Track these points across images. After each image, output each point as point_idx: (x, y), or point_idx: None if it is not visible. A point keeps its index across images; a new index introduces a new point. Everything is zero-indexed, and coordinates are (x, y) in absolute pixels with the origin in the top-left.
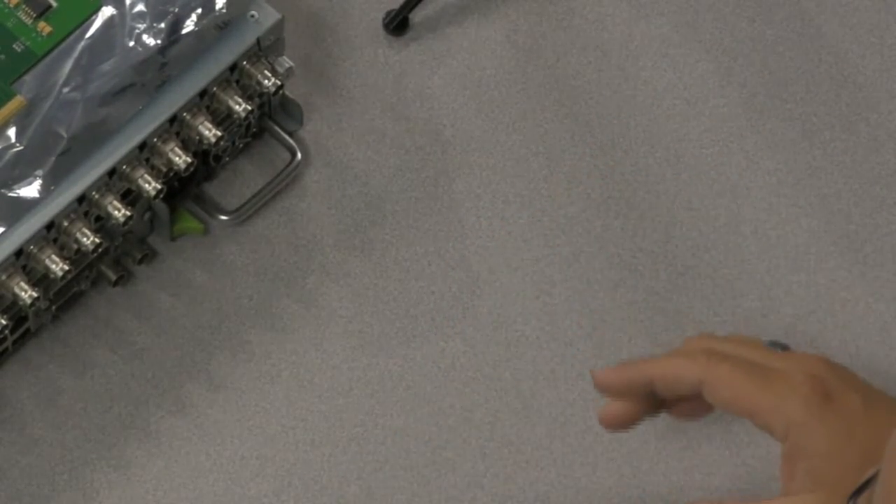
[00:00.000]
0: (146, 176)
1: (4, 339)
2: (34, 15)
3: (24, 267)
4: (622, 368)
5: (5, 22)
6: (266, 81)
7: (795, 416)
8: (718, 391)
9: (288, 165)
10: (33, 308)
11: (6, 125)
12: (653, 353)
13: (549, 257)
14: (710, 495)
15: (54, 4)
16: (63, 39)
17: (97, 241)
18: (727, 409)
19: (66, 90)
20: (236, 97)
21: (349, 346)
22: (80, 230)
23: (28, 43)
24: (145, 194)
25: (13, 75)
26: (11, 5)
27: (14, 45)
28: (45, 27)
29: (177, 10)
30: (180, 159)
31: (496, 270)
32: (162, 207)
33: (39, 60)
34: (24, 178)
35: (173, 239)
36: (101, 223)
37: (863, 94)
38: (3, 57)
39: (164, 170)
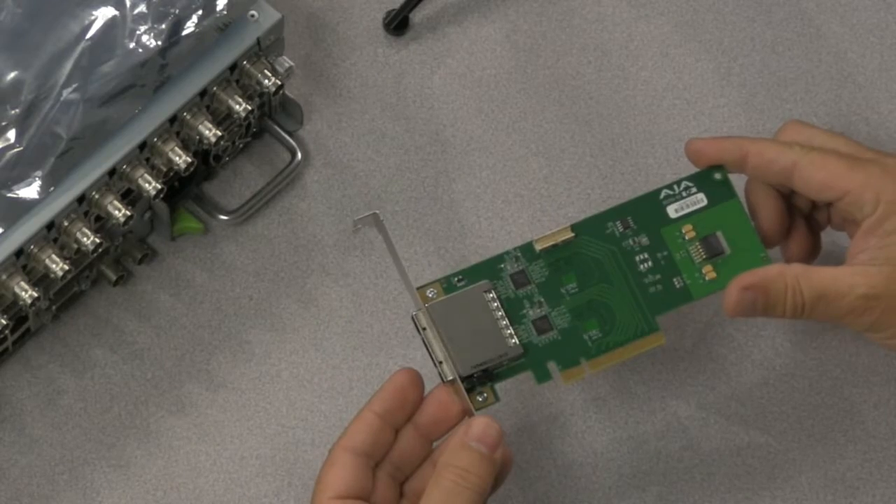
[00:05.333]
0: (146, 176)
1: (4, 339)
2: (704, 256)
3: (24, 267)
4: (718, 139)
5: (675, 252)
6: (266, 81)
7: (886, 194)
8: (812, 174)
9: (288, 165)
10: (33, 308)
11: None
12: (652, 352)
13: None
14: (711, 495)
15: (727, 251)
16: (720, 290)
17: (97, 241)
18: (820, 193)
19: (66, 91)
20: (236, 97)
21: (349, 346)
22: (80, 230)
23: (688, 282)
24: (145, 194)
25: (662, 310)
26: (686, 237)
27: (674, 280)
28: (709, 271)
29: (177, 11)
30: (180, 159)
31: None
32: (162, 207)
33: (688, 303)
34: (23, 178)
35: (173, 239)
36: (101, 223)
37: (863, 94)
38: (659, 288)
39: (164, 170)
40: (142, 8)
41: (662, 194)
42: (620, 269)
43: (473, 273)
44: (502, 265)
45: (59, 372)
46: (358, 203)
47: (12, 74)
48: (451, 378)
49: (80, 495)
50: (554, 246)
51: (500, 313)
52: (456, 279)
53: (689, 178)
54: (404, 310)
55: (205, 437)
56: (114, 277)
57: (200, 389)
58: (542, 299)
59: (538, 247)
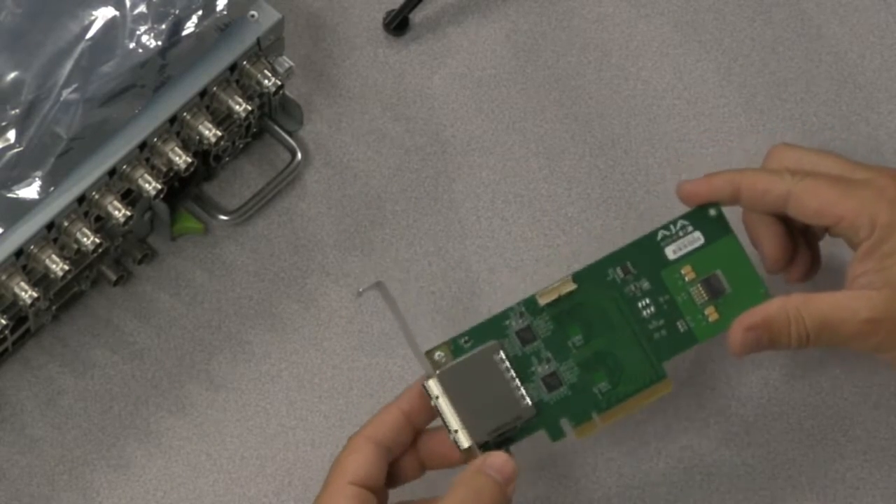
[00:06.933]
0: (146, 176)
1: (4, 339)
2: (706, 297)
3: (24, 267)
4: (707, 178)
5: (676, 295)
6: (266, 81)
7: (881, 217)
8: (806, 202)
9: (288, 165)
10: (33, 308)
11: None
12: None
13: (549, 257)
14: (711, 495)
15: (728, 290)
16: (725, 329)
17: (97, 241)
18: (815, 219)
19: (66, 91)
20: (236, 97)
21: (349, 346)
22: (80, 230)
23: (692, 325)
24: (145, 194)
25: (668, 355)
26: (687, 279)
27: (678, 323)
28: (712, 313)
29: (177, 11)
30: (180, 159)
31: (496, 270)
32: (162, 207)
33: (693, 346)
34: (23, 178)
35: (173, 239)
36: (101, 223)
37: (863, 94)
38: (664, 333)
39: (164, 170)
40: (142, 8)
41: (659, 235)
42: (624, 316)
43: (479, 332)
44: (507, 322)
45: (59, 372)
46: (358, 203)
47: (12, 74)
48: (467, 446)
49: (80, 495)
50: (557, 299)
51: (510, 374)
52: (463, 340)
53: (684, 217)
54: (404, 309)
55: (205, 437)
56: (114, 277)
57: (200, 389)
58: (550, 355)
59: (542, 301)
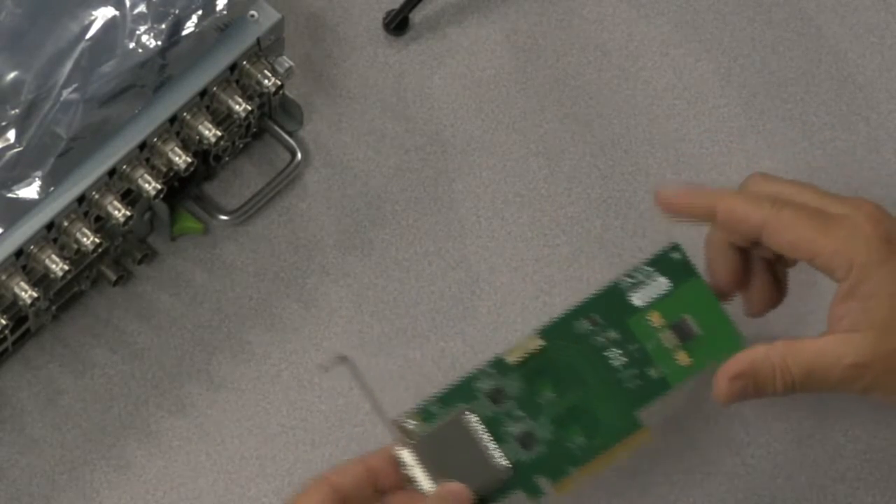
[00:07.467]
0: (146, 176)
1: (4, 339)
2: (677, 341)
3: (24, 267)
4: (689, 190)
5: (646, 343)
6: (266, 81)
7: (858, 257)
8: (781, 234)
9: (288, 165)
10: (33, 308)
11: None
12: None
13: (549, 257)
14: (711, 495)
15: (699, 333)
16: (698, 372)
17: (97, 241)
18: (789, 252)
19: (66, 91)
20: (236, 97)
21: (349, 346)
22: (80, 230)
23: (665, 371)
24: (145, 194)
25: (641, 404)
26: (655, 325)
27: (650, 371)
28: (684, 357)
29: (177, 11)
30: (180, 159)
31: (496, 270)
32: (162, 207)
33: (667, 391)
34: (23, 178)
35: (173, 239)
36: (100, 223)
37: (863, 94)
38: (637, 382)
39: (164, 170)
40: (142, 8)
41: (624, 284)
42: (595, 368)
43: (449, 397)
44: (477, 384)
45: (59, 372)
46: (358, 203)
47: (12, 74)
48: None
49: (80, 495)
50: (525, 357)
51: (485, 436)
52: (433, 406)
53: (648, 263)
54: (404, 310)
55: (205, 437)
56: (114, 277)
57: (200, 389)
58: (523, 413)
59: (510, 360)
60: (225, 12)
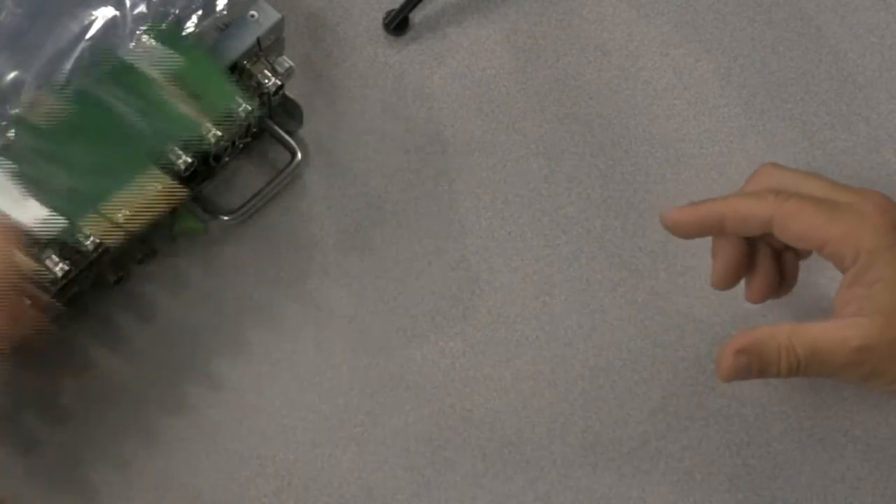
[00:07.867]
0: None
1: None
2: (182, 98)
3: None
4: (692, 207)
5: (153, 101)
6: (266, 81)
7: (865, 243)
8: (789, 225)
9: (288, 165)
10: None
11: None
12: (653, 353)
13: (549, 257)
14: (711, 495)
15: (198, 92)
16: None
17: (97, 241)
18: (799, 242)
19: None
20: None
21: (349, 346)
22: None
23: (170, 123)
24: None
25: (151, 148)
26: (161, 86)
27: (157, 123)
28: (187, 109)
29: (177, 11)
30: (180, 160)
31: (496, 270)
32: None
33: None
34: None
35: (173, 239)
36: None
37: (863, 94)
38: (149, 133)
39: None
40: (142, 8)
41: (129, 56)
42: (112, 126)
43: None
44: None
45: (60, 372)
46: (358, 203)
47: (12, 74)
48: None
49: (79, 495)
50: (49, 119)
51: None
52: None
53: (153, 37)
54: (404, 310)
55: (205, 437)
56: (114, 277)
57: (200, 389)
58: (56, 169)
59: (34, 120)
60: (225, 12)
